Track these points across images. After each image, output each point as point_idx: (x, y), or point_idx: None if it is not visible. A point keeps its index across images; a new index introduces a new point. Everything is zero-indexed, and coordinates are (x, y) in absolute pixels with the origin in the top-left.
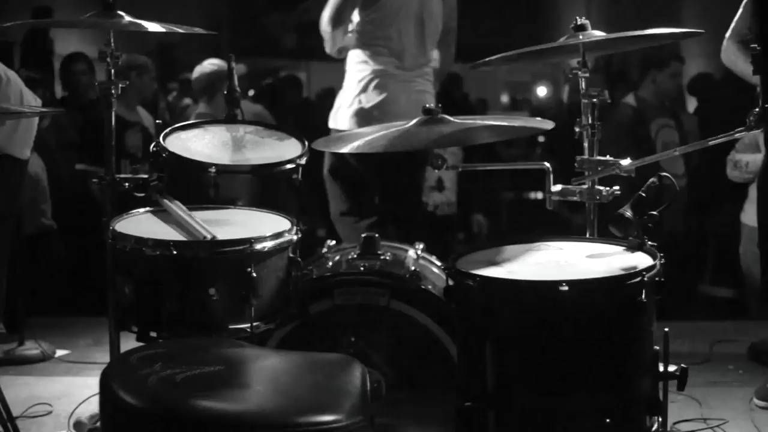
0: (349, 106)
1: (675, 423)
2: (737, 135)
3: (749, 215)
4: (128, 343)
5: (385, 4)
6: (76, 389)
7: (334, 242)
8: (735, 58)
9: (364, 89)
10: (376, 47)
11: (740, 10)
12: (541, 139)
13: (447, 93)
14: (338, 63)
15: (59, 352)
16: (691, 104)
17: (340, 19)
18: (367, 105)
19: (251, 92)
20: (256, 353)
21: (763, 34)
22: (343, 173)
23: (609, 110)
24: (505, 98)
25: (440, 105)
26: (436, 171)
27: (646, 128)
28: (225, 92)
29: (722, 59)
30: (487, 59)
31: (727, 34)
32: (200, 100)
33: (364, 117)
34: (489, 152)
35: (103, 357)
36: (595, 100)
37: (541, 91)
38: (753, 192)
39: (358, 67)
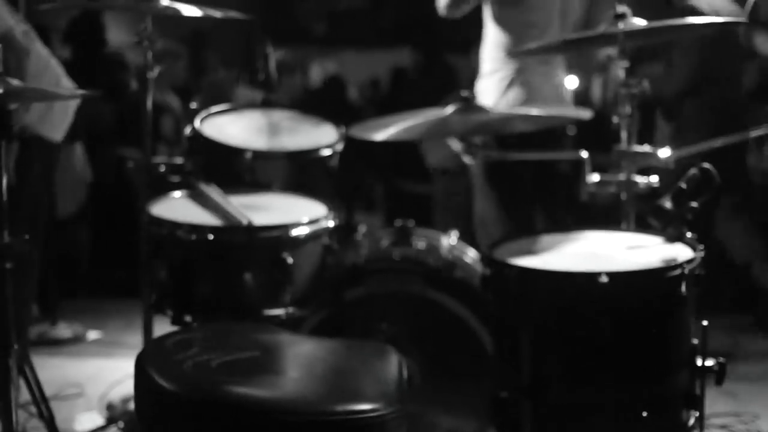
0: None
1: (707, 417)
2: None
3: None
4: (161, 326)
5: None
6: (107, 371)
7: (367, 229)
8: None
9: None
10: None
11: None
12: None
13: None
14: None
15: (91, 334)
16: None
17: None
18: None
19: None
20: (291, 339)
21: None
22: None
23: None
24: None
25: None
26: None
27: None
28: (262, 77)
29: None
30: (526, 48)
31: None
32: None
33: None
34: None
35: (135, 339)
36: (634, 90)
37: (571, 81)
38: None
39: None
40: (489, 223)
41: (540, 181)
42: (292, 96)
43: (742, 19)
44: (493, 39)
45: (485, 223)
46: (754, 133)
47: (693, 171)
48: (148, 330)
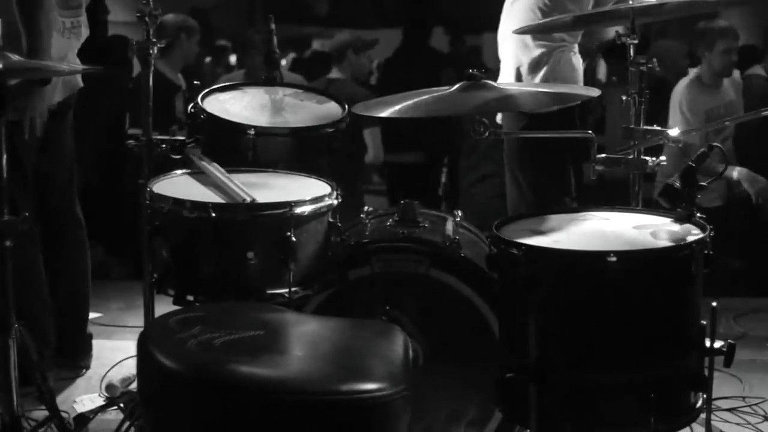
0: None
1: (714, 399)
2: None
3: None
4: (162, 306)
5: None
6: (107, 352)
7: (372, 208)
8: None
9: None
10: None
11: None
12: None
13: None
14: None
15: (91, 315)
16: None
17: None
18: None
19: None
20: (295, 318)
21: None
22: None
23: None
24: None
25: (484, 70)
26: (477, 138)
27: None
28: (264, 54)
29: None
30: (532, 24)
31: None
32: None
33: None
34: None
35: (135, 320)
36: (643, 68)
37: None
38: None
39: None
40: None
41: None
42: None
43: None
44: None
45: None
46: (766, 113)
47: (702, 149)
48: (149, 310)
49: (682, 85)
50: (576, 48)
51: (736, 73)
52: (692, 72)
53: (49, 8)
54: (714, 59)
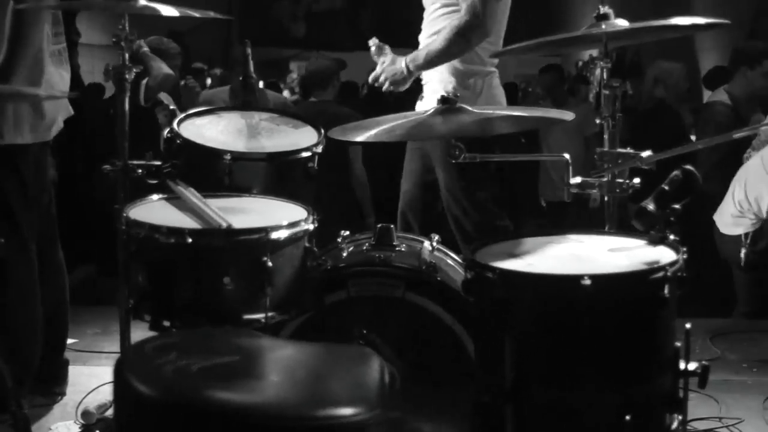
0: None
1: (690, 421)
2: (764, 126)
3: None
4: (138, 332)
5: None
6: (83, 378)
7: (348, 232)
8: None
9: None
10: None
11: None
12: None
13: None
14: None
15: (67, 341)
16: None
17: None
18: None
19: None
20: (271, 344)
21: None
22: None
23: (700, 109)
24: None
25: (458, 94)
26: (453, 161)
27: (743, 126)
28: (240, 78)
29: None
30: (507, 48)
31: None
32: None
33: None
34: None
35: (111, 346)
36: (616, 91)
37: None
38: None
39: None
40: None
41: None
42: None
43: (725, 21)
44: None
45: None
46: (737, 135)
47: (675, 173)
48: (125, 336)
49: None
50: (497, 72)
51: None
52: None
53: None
54: (756, 78)
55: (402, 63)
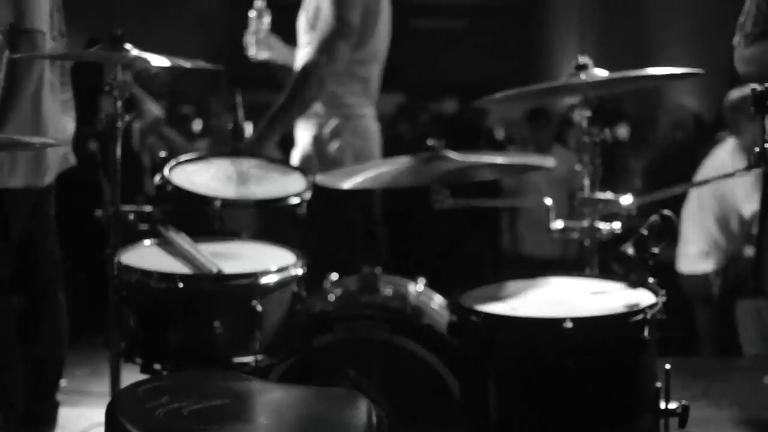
0: None
1: None
2: (737, 174)
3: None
4: (128, 374)
5: None
6: (72, 420)
7: (336, 276)
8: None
9: None
10: None
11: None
12: None
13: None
14: None
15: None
16: None
17: None
18: None
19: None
20: (261, 387)
21: None
22: None
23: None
24: (500, 134)
25: (443, 140)
26: (437, 207)
27: None
28: (231, 126)
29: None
30: (487, 98)
31: (737, 40)
32: None
33: None
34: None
35: (101, 388)
36: (596, 138)
37: None
38: None
39: None
40: None
41: None
42: None
43: (699, 70)
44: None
45: None
46: (714, 179)
47: (654, 217)
48: (115, 378)
49: (725, 152)
50: (373, 114)
51: None
52: (729, 141)
53: (34, 87)
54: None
55: (253, 138)
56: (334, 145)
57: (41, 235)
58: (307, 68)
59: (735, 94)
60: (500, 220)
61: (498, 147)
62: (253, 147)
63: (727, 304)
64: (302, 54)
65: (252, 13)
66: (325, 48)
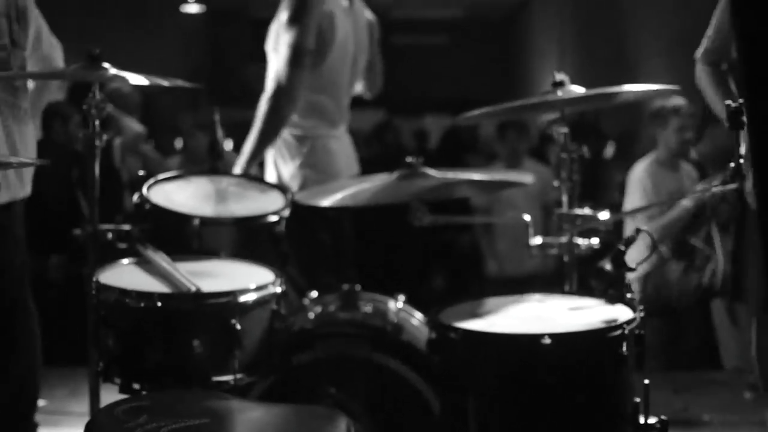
0: None
1: None
2: (714, 190)
3: None
4: (108, 394)
5: None
6: None
7: (316, 294)
8: (705, 85)
9: None
10: None
11: (714, 21)
12: None
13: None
14: None
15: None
16: None
17: None
18: None
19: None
20: (240, 406)
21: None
22: None
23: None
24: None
25: (421, 158)
26: (417, 224)
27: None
28: (208, 144)
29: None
30: (469, 114)
31: (698, 53)
32: None
33: None
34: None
35: (81, 407)
36: (574, 155)
37: None
38: None
39: None
40: None
41: None
42: None
43: (675, 87)
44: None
45: None
46: (685, 199)
47: (631, 234)
48: (95, 398)
49: (641, 167)
50: (338, 133)
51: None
52: (650, 154)
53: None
54: (669, 137)
55: (237, 167)
56: (296, 163)
57: (3, 252)
58: (268, 101)
59: (655, 104)
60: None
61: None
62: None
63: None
64: (269, 76)
65: None
66: (282, 77)
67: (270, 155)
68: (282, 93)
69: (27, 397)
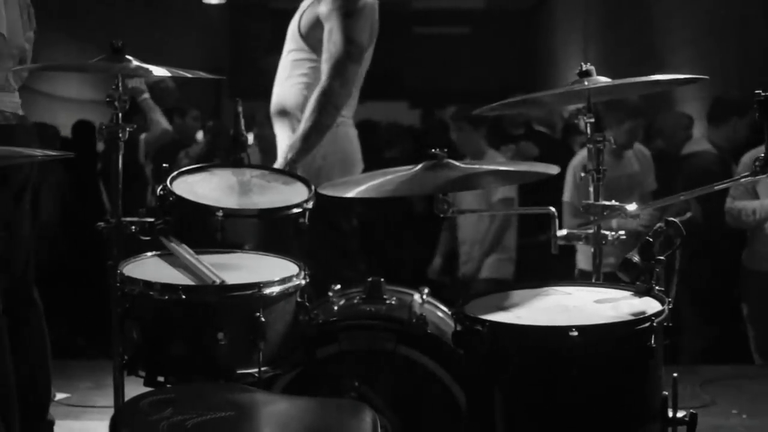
0: None
1: None
2: (743, 180)
3: (750, 259)
4: (131, 386)
5: None
6: None
7: (339, 286)
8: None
9: None
10: None
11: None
12: None
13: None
14: None
15: (59, 395)
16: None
17: None
18: None
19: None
20: (265, 399)
21: None
22: None
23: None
24: None
25: (446, 150)
26: (441, 216)
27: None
28: (231, 136)
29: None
30: (492, 105)
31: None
32: None
33: None
34: None
35: (104, 400)
36: (600, 145)
37: None
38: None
39: None
40: None
41: None
42: None
43: (704, 77)
44: None
45: None
46: (718, 187)
47: (659, 224)
48: (119, 391)
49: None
50: (351, 121)
51: (640, 146)
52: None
53: None
54: (620, 135)
55: (281, 159)
56: (319, 153)
57: (7, 248)
58: (324, 95)
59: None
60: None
61: None
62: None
63: None
64: (286, 61)
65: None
66: (338, 73)
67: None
68: (340, 87)
69: (39, 393)
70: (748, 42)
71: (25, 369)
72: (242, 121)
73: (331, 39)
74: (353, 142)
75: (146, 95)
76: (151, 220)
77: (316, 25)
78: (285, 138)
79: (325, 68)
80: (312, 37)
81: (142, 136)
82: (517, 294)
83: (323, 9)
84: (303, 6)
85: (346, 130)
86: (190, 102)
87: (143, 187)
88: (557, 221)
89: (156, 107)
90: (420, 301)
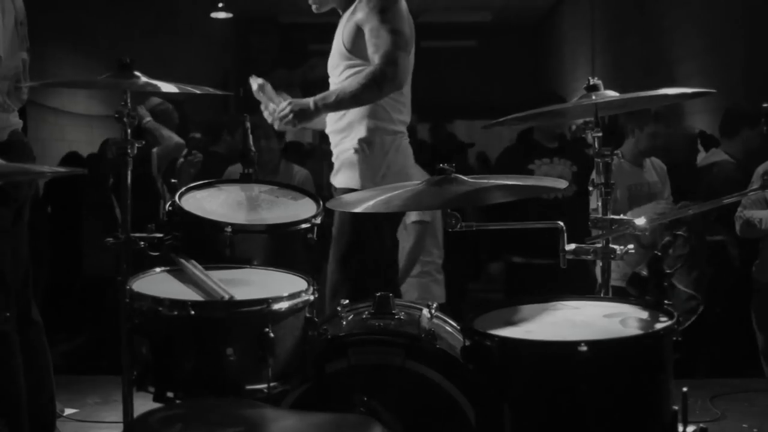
0: None
1: None
2: (752, 192)
3: (761, 272)
4: (140, 402)
5: None
6: None
7: (348, 301)
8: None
9: None
10: None
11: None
12: None
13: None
14: None
15: (67, 411)
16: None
17: None
18: None
19: None
20: (274, 414)
21: None
22: None
23: (700, 172)
24: None
25: (454, 164)
26: (450, 230)
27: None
28: (240, 152)
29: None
30: (501, 120)
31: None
32: None
33: None
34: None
35: (113, 416)
36: (608, 159)
37: None
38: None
39: None
40: None
41: None
42: None
43: (711, 90)
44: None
45: None
46: (727, 201)
47: (667, 238)
48: (128, 407)
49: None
50: (407, 133)
51: (656, 159)
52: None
53: None
54: (642, 139)
55: (310, 100)
56: (384, 161)
57: (6, 266)
58: (374, 74)
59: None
60: None
61: None
62: (305, 113)
63: None
64: (340, 81)
65: (254, 86)
66: (389, 60)
67: (352, 149)
68: (389, 76)
69: (42, 410)
70: (755, 54)
71: (30, 377)
72: (251, 137)
73: (376, 35)
74: (409, 156)
75: (149, 119)
76: (160, 235)
77: (358, 34)
78: (346, 146)
79: (375, 58)
80: (357, 45)
81: (155, 150)
82: (525, 309)
83: (360, 15)
84: (339, 27)
85: (405, 143)
86: (196, 118)
87: (156, 200)
88: (565, 236)
89: (161, 126)
90: (429, 315)
